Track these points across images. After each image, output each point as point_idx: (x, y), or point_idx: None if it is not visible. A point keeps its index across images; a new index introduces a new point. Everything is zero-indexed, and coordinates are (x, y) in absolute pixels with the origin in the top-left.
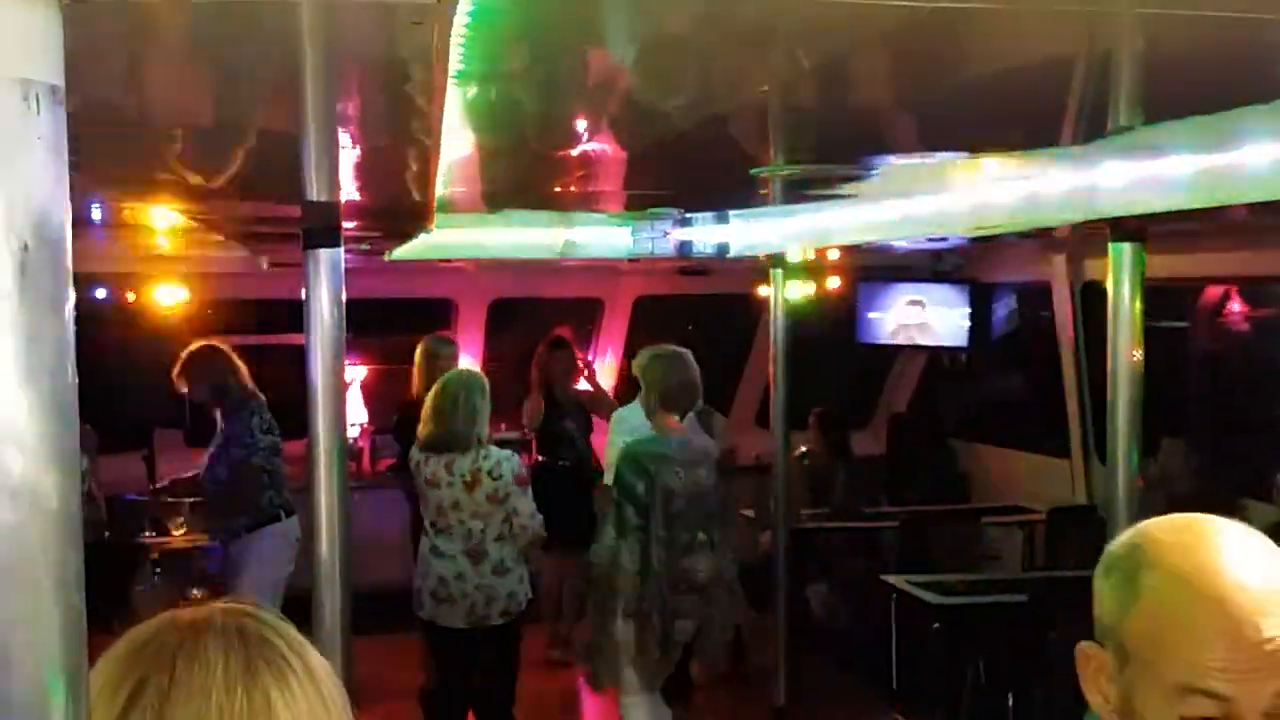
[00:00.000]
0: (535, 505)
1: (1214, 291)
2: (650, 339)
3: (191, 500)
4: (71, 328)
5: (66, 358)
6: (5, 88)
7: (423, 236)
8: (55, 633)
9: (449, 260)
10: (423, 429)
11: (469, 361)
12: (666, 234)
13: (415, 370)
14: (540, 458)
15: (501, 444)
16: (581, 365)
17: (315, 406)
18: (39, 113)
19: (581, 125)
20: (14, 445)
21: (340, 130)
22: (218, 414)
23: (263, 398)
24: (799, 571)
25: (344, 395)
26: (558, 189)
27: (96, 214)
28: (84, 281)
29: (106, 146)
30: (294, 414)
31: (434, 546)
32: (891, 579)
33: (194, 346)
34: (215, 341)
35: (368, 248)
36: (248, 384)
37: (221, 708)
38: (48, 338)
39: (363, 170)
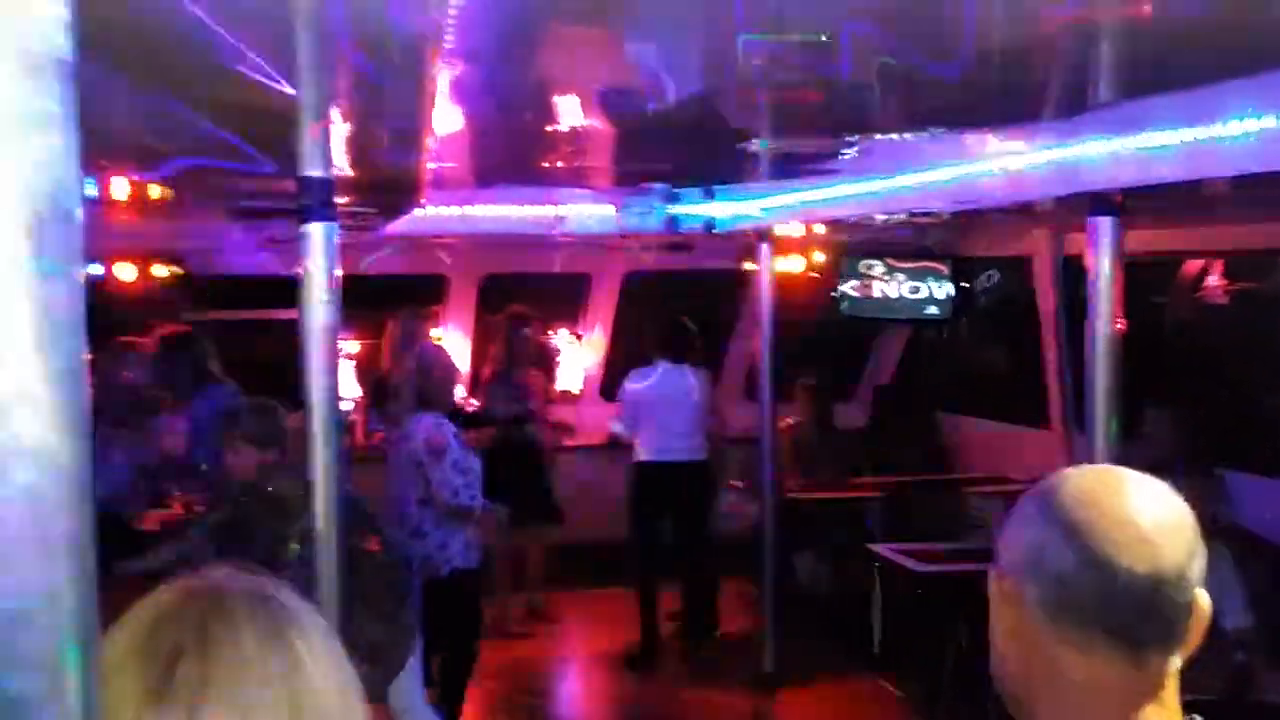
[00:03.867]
0: (451, 477)
1: (1194, 265)
2: (640, 314)
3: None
4: (83, 296)
5: (78, 325)
6: (15, 61)
7: (415, 212)
8: (70, 594)
9: (440, 236)
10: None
11: (460, 337)
12: (654, 210)
13: (386, 343)
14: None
15: (464, 418)
16: (541, 344)
17: (310, 380)
18: (49, 86)
19: (570, 101)
20: (29, 409)
21: (333, 105)
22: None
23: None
24: (786, 540)
25: (337, 369)
26: (547, 164)
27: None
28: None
29: (100, 120)
30: (289, 389)
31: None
32: (876, 547)
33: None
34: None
35: (360, 224)
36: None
37: (259, 669)
38: (61, 305)
39: (355, 145)
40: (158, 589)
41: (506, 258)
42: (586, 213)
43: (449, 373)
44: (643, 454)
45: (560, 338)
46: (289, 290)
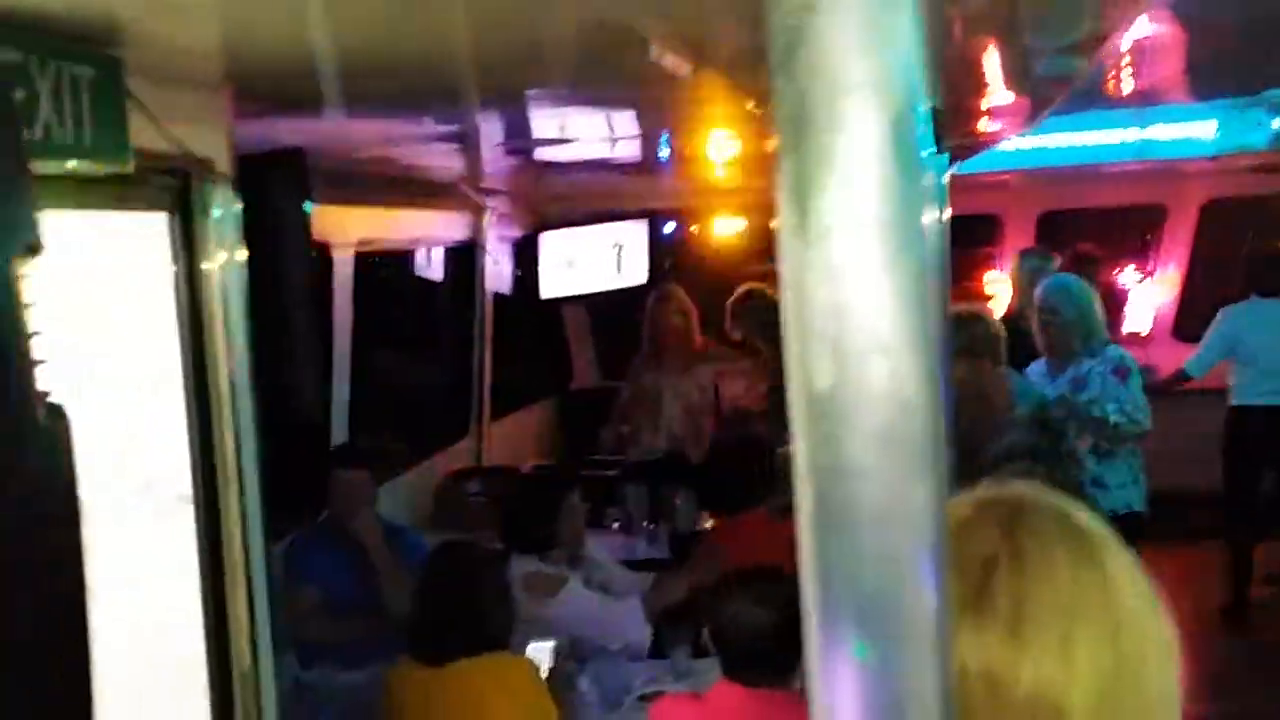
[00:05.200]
0: None
1: None
2: (1219, 246)
3: None
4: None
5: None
6: None
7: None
8: (921, 498)
9: (993, 174)
10: None
11: None
12: (1263, 123)
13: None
14: None
15: None
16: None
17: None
18: None
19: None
20: (882, 357)
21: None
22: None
23: None
24: None
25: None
26: (1136, 79)
27: (664, 152)
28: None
29: None
30: None
31: None
32: None
33: (739, 290)
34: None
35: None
36: None
37: (1074, 586)
38: (915, 254)
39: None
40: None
41: (1065, 192)
42: (1175, 133)
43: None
44: (1239, 397)
45: (1127, 276)
46: None
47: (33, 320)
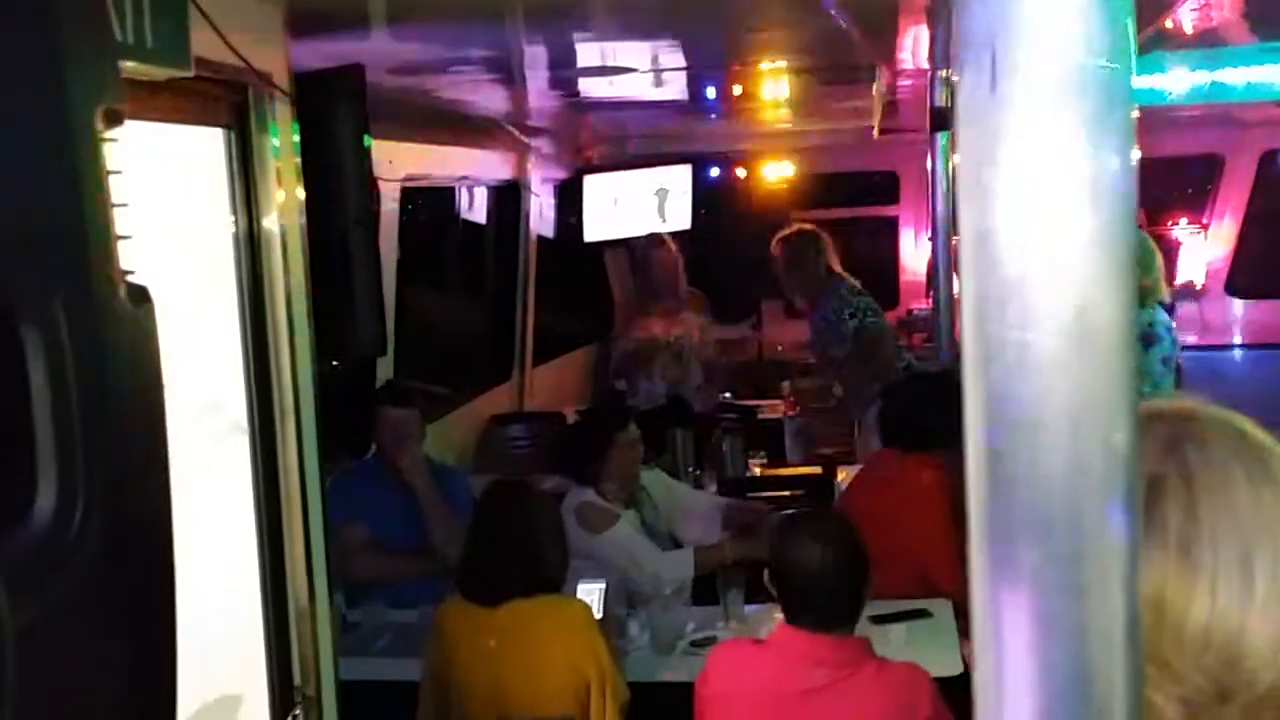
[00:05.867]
0: None
1: None
2: (1275, 204)
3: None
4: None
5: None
6: None
7: None
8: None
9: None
10: None
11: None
12: None
13: None
14: None
15: None
16: None
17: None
18: None
19: None
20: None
21: None
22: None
23: (849, 280)
24: None
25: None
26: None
27: (711, 93)
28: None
29: None
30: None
31: None
32: None
33: (784, 231)
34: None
35: None
36: (832, 265)
37: (1252, 505)
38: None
39: None
40: None
41: None
42: (1245, 77)
43: None
44: None
45: (1180, 228)
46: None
47: (116, 191)
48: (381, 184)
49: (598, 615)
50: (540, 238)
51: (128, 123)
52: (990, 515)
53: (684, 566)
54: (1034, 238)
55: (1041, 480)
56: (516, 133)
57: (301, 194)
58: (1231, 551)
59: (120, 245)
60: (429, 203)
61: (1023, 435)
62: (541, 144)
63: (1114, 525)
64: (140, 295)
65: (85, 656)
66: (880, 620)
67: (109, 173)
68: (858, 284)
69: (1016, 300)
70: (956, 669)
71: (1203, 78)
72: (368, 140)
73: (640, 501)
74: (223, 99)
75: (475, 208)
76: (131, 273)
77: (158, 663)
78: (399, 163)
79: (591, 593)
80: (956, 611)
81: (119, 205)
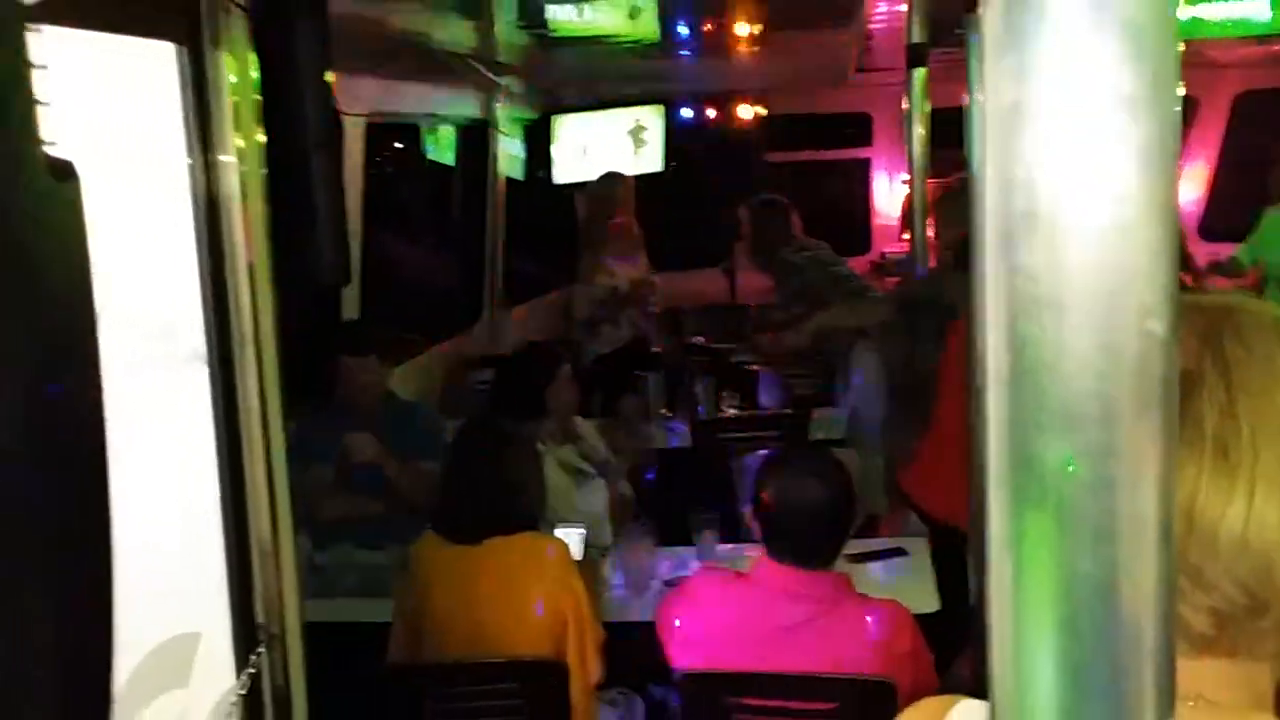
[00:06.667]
0: None
1: None
2: (1249, 147)
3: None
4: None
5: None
6: None
7: None
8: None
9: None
10: None
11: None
12: None
13: None
14: None
15: None
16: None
17: None
18: None
19: None
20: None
21: None
22: None
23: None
24: None
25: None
26: None
27: (683, 30)
28: (676, 101)
29: None
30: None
31: None
32: None
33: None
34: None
35: None
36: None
37: None
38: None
39: None
40: None
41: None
42: (1224, 12)
43: None
44: None
45: None
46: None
47: (39, 87)
48: (346, 120)
49: (577, 558)
50: (510, 180)
51: (78, 34)
52: (1012, 406)
53: (599, 497)
54: (1069, 105)
55: (1070, 368)
56: (484, 69)
57: (260, 116)
58: (1272, 452)
59: (41, 114)
60: (396, 141)
61: (1049, 319)
62: (510, 82)
63: (1149, 418)
64: (65, 170)
65: None
66: (858, 559)
67: (30, 65)
68: (812, 246)
69: (1044, 173)
70: (934, 605)
71: (1180, 12)
72: (329, 62)
73: (579, 436)
74: (174, 10)
75: (442, 148)
76: (54, 144)
77: (91, 582)
78: (365, 95)
79: (570, 535)
80: (963, 541)
81: (40, 103)
